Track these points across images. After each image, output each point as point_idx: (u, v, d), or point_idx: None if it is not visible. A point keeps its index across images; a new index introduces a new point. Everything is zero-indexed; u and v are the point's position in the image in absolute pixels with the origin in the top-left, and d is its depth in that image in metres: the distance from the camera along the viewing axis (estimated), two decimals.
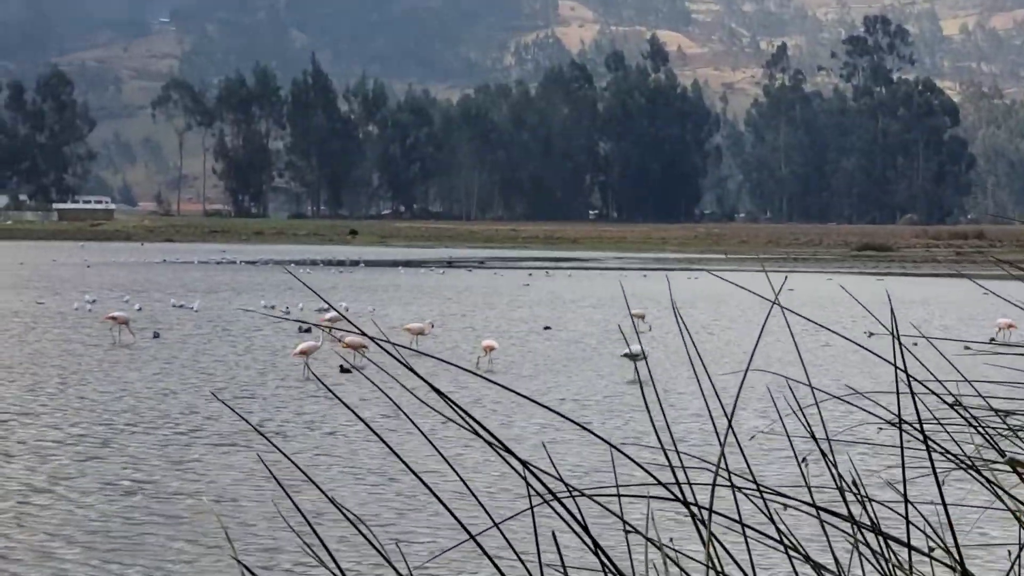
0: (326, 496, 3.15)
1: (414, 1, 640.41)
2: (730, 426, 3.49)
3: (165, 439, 22.43)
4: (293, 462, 3.27)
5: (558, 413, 3.57)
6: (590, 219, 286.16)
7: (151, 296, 59.93)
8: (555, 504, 3.20)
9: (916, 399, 3.68)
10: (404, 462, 3.22)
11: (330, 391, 3.46)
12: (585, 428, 3.60)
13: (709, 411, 3.69)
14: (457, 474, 3.30)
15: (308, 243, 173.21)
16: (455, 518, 3.24)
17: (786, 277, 4.70)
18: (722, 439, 3.46)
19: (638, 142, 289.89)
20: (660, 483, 3.36)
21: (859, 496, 3.59)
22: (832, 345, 40.51)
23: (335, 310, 3.58)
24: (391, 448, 3.23)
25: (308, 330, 42.71)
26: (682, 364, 34.86)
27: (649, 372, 4.66)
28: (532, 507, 3.17)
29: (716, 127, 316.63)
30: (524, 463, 3.06)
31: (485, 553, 3.22)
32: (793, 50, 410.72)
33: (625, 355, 33.14)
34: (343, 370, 32.60)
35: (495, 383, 3.59)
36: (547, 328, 46.50)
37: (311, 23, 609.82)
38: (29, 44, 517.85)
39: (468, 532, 3.15)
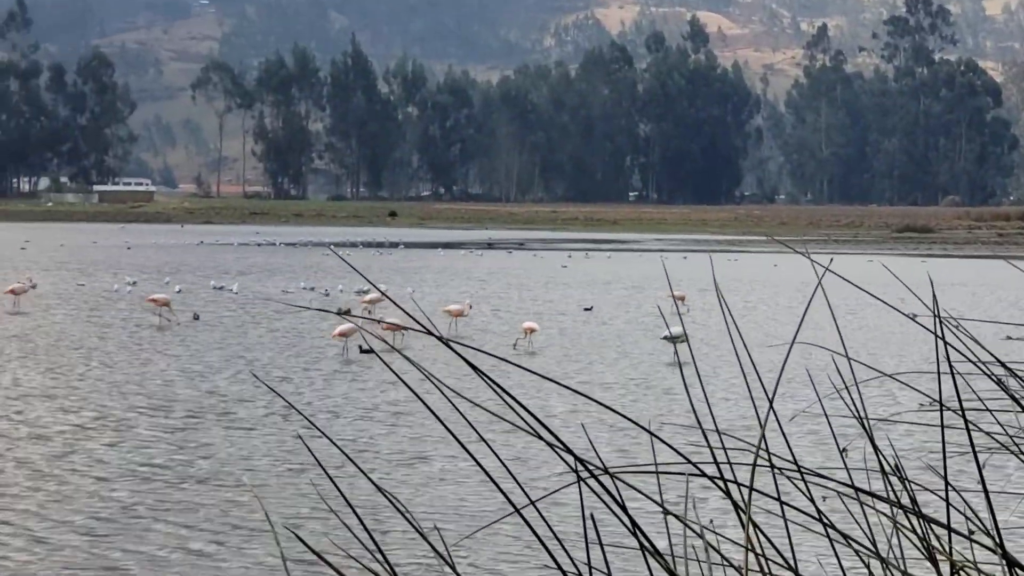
0: (367, 477, 3.17)
1: None
2: (771, 407, 3.45)
3: (205, 420, 22.48)
4: (338, 446, 3.25)
5: (589, 397, 3.53)
6: (630, 201, 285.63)
7: (191, 278, 60.11)
8: (593, 484, 3.22)
9: (957, 378, 3.63)
10: (461, 443, 3.19)
11: (388, 367, 3.49)
12: (614, 410, 3.55)
13: (750, 391, 3.62)
14: (496, 455, 3.27)
15: (347, 225, 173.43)
16: (503, 493, 3.25)
17: (831, 259, 4.63)
18: (762, 421, 3.41)
19: (678, 123, 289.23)
20: (691, 463, 3.32)
21: (900, 477, 3.54)
22: (871, 327, 40.35)
23: (378, 290, 3.55)
24: (447, 427, 3.19)
25: (348, 312, 42.78)
26: (723, 346, 34.76)
27: (691, 353, 4.64)
28: (580, 483, 3.18)
29: (756, 108, 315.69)
30: (560, 442, 3.07)
31: (529, 525, 3.24)
32: (834, 31, 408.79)
33: (665, 337, 33.08)
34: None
35: (526, 368, 3.56)
36: (588, 309, 46.43)
37: (350, 4, 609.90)
38: (70, 26, 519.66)
39: (513, 505, 3.15)
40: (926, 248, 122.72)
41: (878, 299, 4.30)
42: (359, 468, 3.24)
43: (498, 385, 3.17)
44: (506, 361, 3.42)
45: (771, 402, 3.47)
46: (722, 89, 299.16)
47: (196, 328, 38.01)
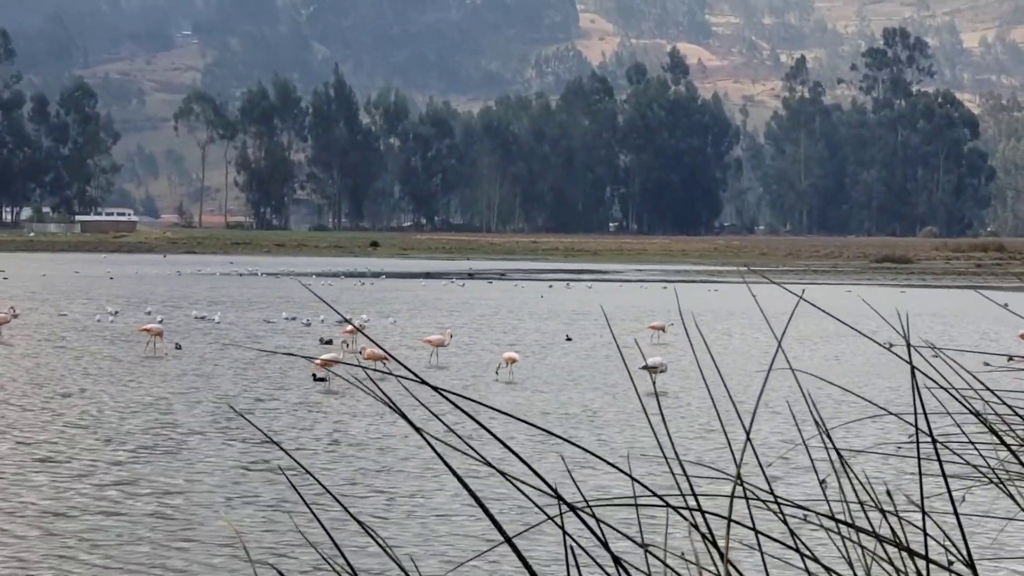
0: (348, 512, 3.21)
1: (435, 14, 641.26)
2: (748, 440, 3.52)
3: (185, 451, 22.54)
4: (321, 484, 3.37)
5: (563, 438, 3.65)
6: (610, 231, 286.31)
7: (173, 308, 60.11)
8: (572, 518, 3.22)
9: (933, 404, 3.70)
10: (460, 480, 3.31)
11: (393, 407, 3.48)
12: (585, 449, 3.69)
13: (722, 426, 3.74)
14: (471, 492, 3.39)
15: (329, 255, 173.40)
16: (495, 522, 3.29)
17: (803, 290, 4.74)
18: (738, 457, 3.47)
19: (658, 154, 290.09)
20: (665, 501, 3.39)
21: (879, 508, 3.58)
22: (849, 356, 40.50)
23: (347, 321, 3.68)
24: (451, 469, 3.32)
25: (329, 342, 42.87)
26: (702, 375, 34.86)
27: (658, 391, 4.75)
28: (560, 517, 3.22)
29: (736, 139, 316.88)
30: (540, 477, 3.10)
31: (519, 554, 3.26)
32: (813, 63, 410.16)
33: (644, 367, 33.19)
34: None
35: (497, 410, 3.71)
36: (568, 339, 46.55)
37: (332, 36, 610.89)
38: (53, 56, 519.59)
39: (504, 535, 3.18)
40: (904, 278, 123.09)
41: (853, 328, 4.39)
42: (345, 508, 3.37)
43: (480, 424, 3.21)
44: (478, 403, 3.56)
45: (748, 434, 3.51)
46: (702, 120, 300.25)
47: (178, 358, 38.04)
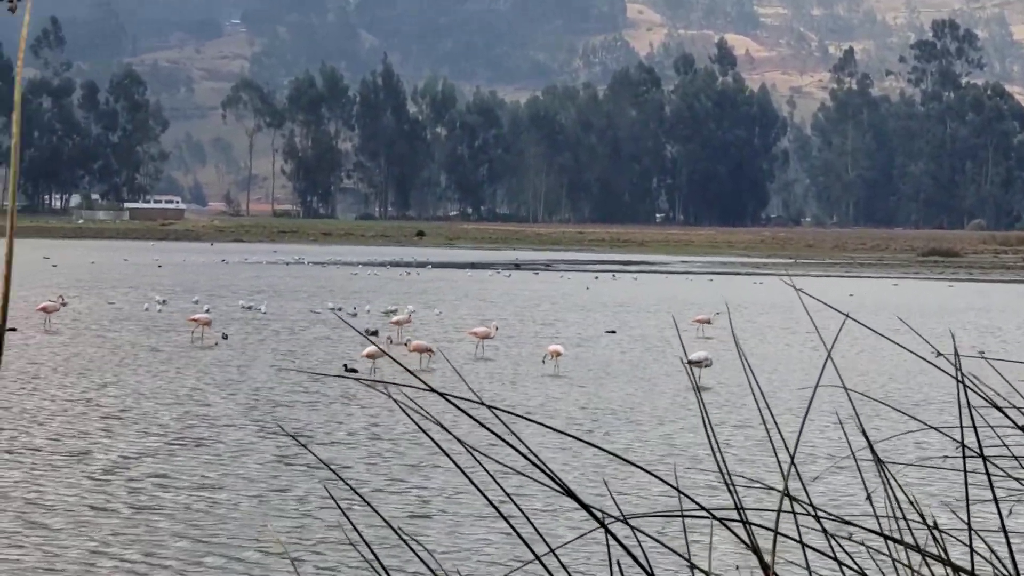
0: (392, 529, 3.25)
1: (483, 3, 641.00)
2: (792, 462, 3.46)
3: (219, 444, 22.64)
4: (361, 495, 3.42)
5: (606, 450, 3.66)
6: (656, 222, 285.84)
7: (220, 297, 60.38)
8: (611, 531, 3.22)
9: (981, 418, 3.65)
10: (482, 491, 3.35)
11: (426, 420, 3.47)
12: (631, 463, 3.71)
13: (770, 438, 3.74)
14: (515, 503, 3.43)
15: (376, 244, 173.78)
16: (538, 534, 3.31)
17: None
18: (784, 469, 3.39)
19: (705, 145, 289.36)
20: (704, 509, 3.32)
21: (924, 523, 3.53)
22: (889, 358, 40.36)
23: (376, 345, 3.71)
24: (466, 475, 3.36)
25: (375, 333, 42.94)
26: (747, 375, 34.81)
27: (699, 393, 4.77)
28: (603, 531, 3.25)
29: (783, 131, 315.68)
30: (564, 489, 3.10)
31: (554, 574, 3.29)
32: (861, 54, 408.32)
33: (689, 362, 33.14)
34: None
35: (531, 419, 3.73)
36: (611, 332, 46.51)
37: (380, 25, 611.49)
38: (102, 44, 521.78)
39: (533, 552, 3.20)
40: (952, 272, 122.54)
41: (899, 345, 4.36)
42: (384, 519, 3.41)
43: (519, 439, 3.24)
44: (519, 416, 3.59)
45: (792, 456, 3.47)
46: (749, 111, 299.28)
47: (224, 348, 38.19)
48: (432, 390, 3.24)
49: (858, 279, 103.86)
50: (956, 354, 3.74)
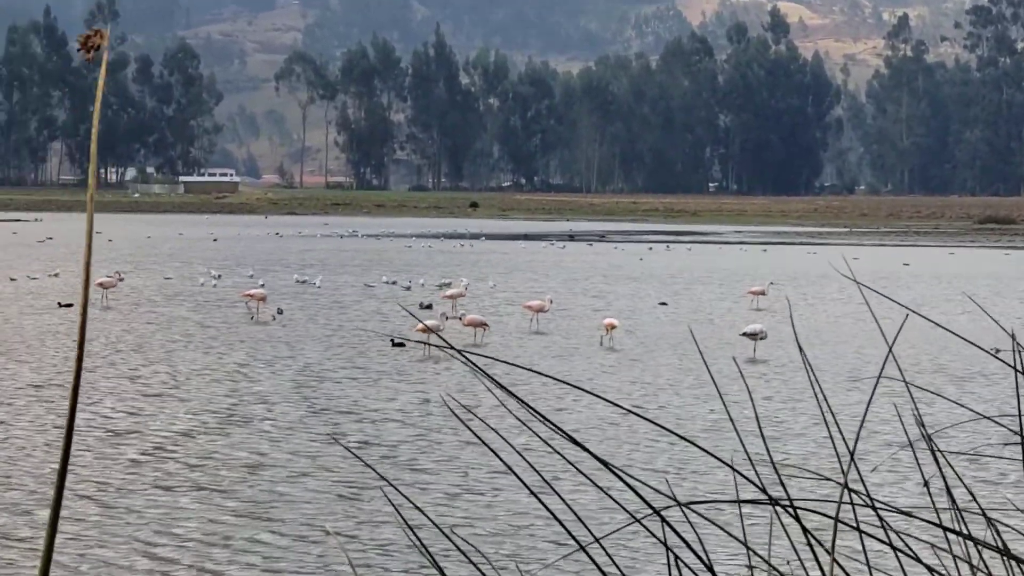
0: (443, 532, 3.42)
1: None
2: (852, 457, 3.45)
3: (266, 422, 22.89)
4: (385, 478, 3.61)
5: (663, 427, 3.78)
6: (710, 192, 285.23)
7: (274, 272, 60.77)
8: (662, 517, 3.18)
9: None
10: (544, 487, 3.55)
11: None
12: (690, 441, 3.85)
13: (828, 429, 3.81)
14: (554, 490, 3.60)
15: (429, 216, 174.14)
16: (582, 524, 3.50)
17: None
18: (844, 463, 3.41)
19: (758, 114, 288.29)
20: (767, 495, 3.34)
21: (982, 513, 3.51)
22: (945, 342, 40.27)
23: (425, 324, 3.87)
24: (516, 467, 3.56)
25: (429, 306, 43.16)
26: (805, 342, 34.84)
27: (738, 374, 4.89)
28: (657, 517, 3.42)
29: (837, 99, 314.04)
30: (619, 476, 3.21)
31: (597, 567, 3.42)
32: (915, 20, 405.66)
33: (744, 334, 33.18)
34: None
35: (588, 392, 3.86)
36: (663, 304, 46.57)
37: None
38: (156, 18, 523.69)
39: (578, 543, 3.32)
40: (1008, 240, 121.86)
41: (959, 336, 4.38)
42: (434, 523, 3.62)
43: (562, 431, 3.35)
44: (576, 386, 3.76)
45: (852, 452, 3.44)
46: (802, 80, 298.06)
47: (280, 324, 38.42)
48: (484, 359, 3.42)
49: (914, 248, 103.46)
50: (1015, 345, 3.72)
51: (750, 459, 3.45)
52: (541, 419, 3.08)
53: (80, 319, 2.30)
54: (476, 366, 3.15)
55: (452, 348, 3.23)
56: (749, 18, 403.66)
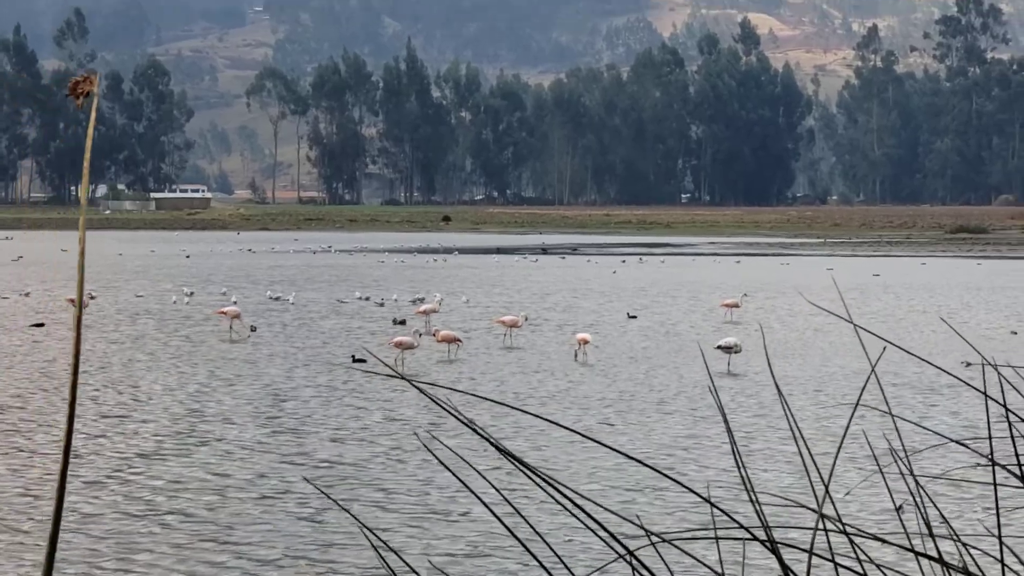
0: (408, 567, 3.33)
1: None
2: (827, 489, 3.40)
3: (224, 443, 22.69)
4: (343, 507, 3.52)
5: (630, 457, 3.69)
6: (682, 202, 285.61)
7: (248, 288, 60.50)
8: (636, 557, 3.22)
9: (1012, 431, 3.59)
10: (516, 537, 3.46)
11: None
12: (664, 475, 3.77)
13: (802, 458, 3.74)
14: (531, 526, 3.53)
15: (402, 230, 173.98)
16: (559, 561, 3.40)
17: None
18: (817, 489, 3.37)
19: (730, 125, 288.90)
20: (743, 528, 3.32)
21: (955, 538, 3.48)
22: (929, 339, 40.21)
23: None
24: (486, 492, 3.48)
25: (403, 322, 43.02)
26: (779, 356, 34.82)
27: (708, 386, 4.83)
28: (630, 556, 3.34)
29: (808, 109, 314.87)
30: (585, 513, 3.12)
31: None
32: (885, 31, 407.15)
33: (719, 347, 33.11)
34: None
35: (554, 423, 3.78)
36: (632, 317, 46.46)
37: (402, 9, 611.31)
38: (126, 34, 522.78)
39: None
40: (980, 249, 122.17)
41: (932, 364, 4.35)
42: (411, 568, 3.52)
43: (525, 465, 3.24)
44: (544, 419, 3.68)
45: (826, 484, 3.40)
46: (773, 91, 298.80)
47: (251, 343, 38.13)
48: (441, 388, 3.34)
49: (887, 258, 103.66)
50: (984, 365, 3.72)
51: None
52: (504, 453, 3.08)
53: (75, 340, 2.31)
54: (436, 399, 3.09)
55: (408, 380, 3.15)
56: (719, 29, 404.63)
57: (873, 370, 3.66)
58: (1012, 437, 3.58)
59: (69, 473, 19.54)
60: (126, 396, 27.32)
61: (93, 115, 2.45)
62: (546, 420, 3.30)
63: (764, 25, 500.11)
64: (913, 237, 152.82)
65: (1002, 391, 3.65)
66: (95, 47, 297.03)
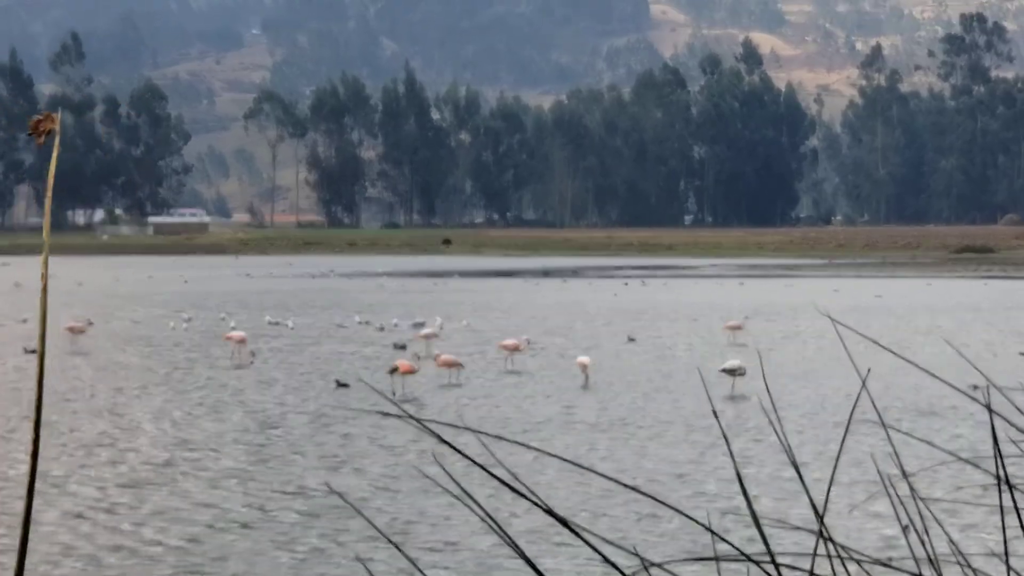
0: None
1: (504, 7, 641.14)
2: (821, 517, 3.31)
3: (212, 474, 21.92)
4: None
5: (631, 487, 3.28)
6: (685, 224, 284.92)
7: (247, 313, 59.75)
8: None
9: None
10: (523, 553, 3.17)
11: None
12: (664, 504, 3.38)
13: (799, 476, 3.42)
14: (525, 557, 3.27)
15: (402, 253, 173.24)
16: None
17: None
18: (818, 510, 3.32)
19: (732, 146, 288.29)
20: (743, 554, 3.25)
21: (960, 562, 3.40)
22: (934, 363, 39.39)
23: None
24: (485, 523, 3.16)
25: (403, 347, 42.32)
26: (782, 378, 34.11)
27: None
28: None
29: (811, 129, 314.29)
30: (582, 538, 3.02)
31: None
32: (889, 50, 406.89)
33: (723, 370, 32.60)
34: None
35: (557, 456, 3.42)
36: (632, 340, 45.76)
37: (401, 31, 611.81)
38: (123, 57, 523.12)
39: None
40: (986, 270, 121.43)
41: (935, 375, 3.73)
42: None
43: (531, 491, 3.13)
44: (541, 450, 3.21)
45: (819, 512, 3.31)
46: (776, 110, 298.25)
47: (252, 368, 37.51)
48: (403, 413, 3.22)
49: (891, 279, 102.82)
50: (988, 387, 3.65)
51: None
52: (502, 483, 3.19)
53: (38, 369, 2.32)
54: (435, 433, 3.21)
55: (410, 416, 3.13)
56: (721, 49, 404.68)
57: (870, 398, 3.43)
58: None
59: (44, 504, 18.73)
60: (114, 423, 26.58)
61: (55, 152, 2.53)
62: (539, 450, 3.34)
63: (766, 44, 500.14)
64: (918, 257, 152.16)
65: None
66: (91, 71, 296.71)
